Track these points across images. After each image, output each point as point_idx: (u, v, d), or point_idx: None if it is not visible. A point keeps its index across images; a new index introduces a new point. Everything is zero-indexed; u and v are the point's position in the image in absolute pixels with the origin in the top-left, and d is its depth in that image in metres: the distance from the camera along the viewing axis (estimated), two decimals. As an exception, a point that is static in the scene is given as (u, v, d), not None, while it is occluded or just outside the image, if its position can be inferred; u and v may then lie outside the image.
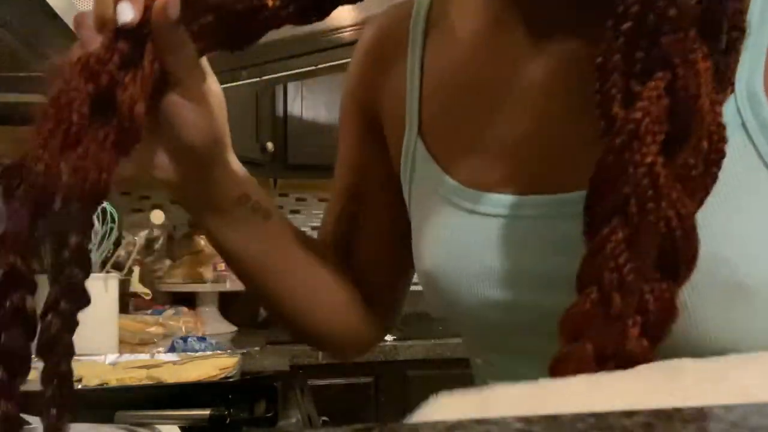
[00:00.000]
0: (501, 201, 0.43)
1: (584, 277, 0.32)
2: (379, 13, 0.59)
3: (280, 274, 0.54)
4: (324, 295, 0.56)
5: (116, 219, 1.16)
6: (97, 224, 1.15)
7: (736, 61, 0.35)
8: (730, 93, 0.37)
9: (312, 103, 2.07)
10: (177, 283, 1.93)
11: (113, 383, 0.85)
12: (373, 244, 0.58)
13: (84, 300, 0.34)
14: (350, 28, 1.00)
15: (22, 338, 0.33)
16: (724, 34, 0.33)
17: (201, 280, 1.91)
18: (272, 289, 0.54)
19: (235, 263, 0.53)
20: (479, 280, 0.44)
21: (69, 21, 0.79)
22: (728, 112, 0.37)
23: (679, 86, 0.32)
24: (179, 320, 1.43)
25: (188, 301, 1.93)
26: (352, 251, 0.58)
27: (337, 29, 1.01)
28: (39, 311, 0.33)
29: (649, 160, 0.31)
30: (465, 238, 0.44)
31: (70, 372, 0.34)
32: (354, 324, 0.58)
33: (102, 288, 1.11)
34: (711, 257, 0.35)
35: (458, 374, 1.60)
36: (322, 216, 0.66)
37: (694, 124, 0.32)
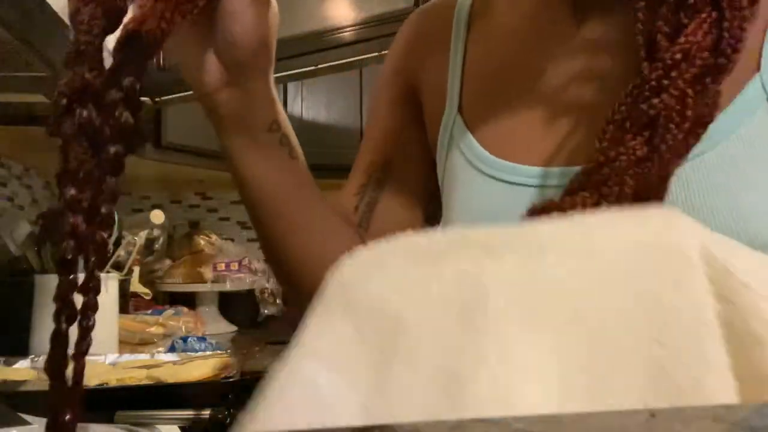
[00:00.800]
0: (532, 172, 0.46)
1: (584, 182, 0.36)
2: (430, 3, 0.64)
3: (294, 210, 0.53)
4: (334, 245, 0.51)
5: (116, 219, 1.16)
6: (97, 224, 1.14)
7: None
8: (756, 70, 0.41)
9: (312, 103, 2.07)
10: (177, 283, 1.93)
11: (113, 383, 0.85)
12: (396, 212, 0.60)
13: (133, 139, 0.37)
14: (350, 28, 1.00)
15: (88, 153, 0.36)
16: None
17: (201, 280, 1.91)
18: (282, 226, 0.53)
19: (250, 190, 0.52)
20: None
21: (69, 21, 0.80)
22: (754, 87, 0.41)
23: (726, 25, 0.36)
24: (179, 320, 1.43)
25: (188, 301, 1.93)
26: (373, 217, 0.60)
27: (337, 29, 1.01)
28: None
29: (682, 86, 0.35)
30: (497, 205, 0.47)
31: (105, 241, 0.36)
32: None
33: (102, 288, 1.11)
34: (740, 224, 0.39)
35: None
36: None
37: (732, 62, 0.36)
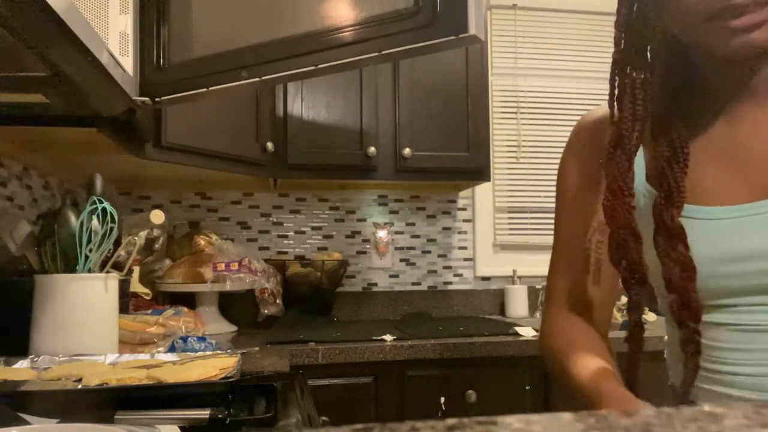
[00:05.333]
0: (721, 212, 0.71)
1: None
2: (587, 118, 0.90)
3: None
4: None
5: (116, 219, 1.16)
6: (97, 224, 1.14)
7: None
8: None
9: (312, 103, 2.07)
10: (177, 283, 1.93)
11: (113, 383, 0.85)
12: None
13: None
14: (350, 28, 1.00)
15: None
16: None
17: (201, 280, 1.91)
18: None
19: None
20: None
21: (69, 21, 0.79)
22: None
23: None
24: (179, 320, 1.42)
25: (188, 301, 1.93)
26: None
27: (337, 29, 1.01)
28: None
29: None
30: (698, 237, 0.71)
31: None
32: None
33: (102, 288, 1.11)
34: None
35: (458, 374, 1.61)
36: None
37: None
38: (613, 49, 0.78)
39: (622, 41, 0.77)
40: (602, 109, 0.87)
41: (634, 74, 0.76)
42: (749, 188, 0.71)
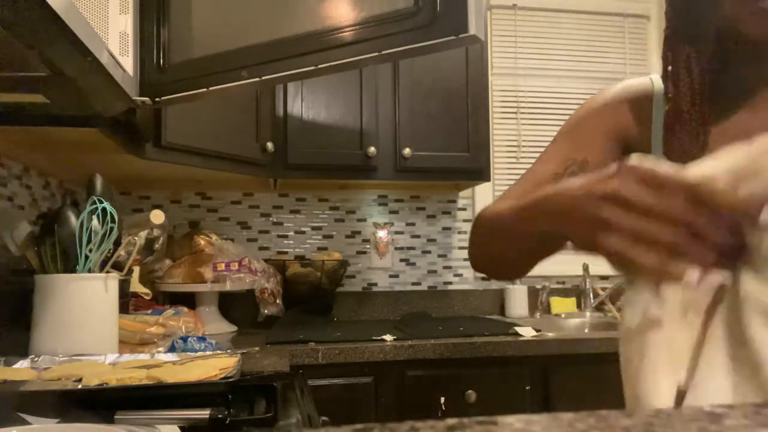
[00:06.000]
0: None
1: None
2: (621, 90, 0.89)
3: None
4: None
5: (116, 219, 1.16)
6: (97, 224, 1.14)
7: None
8: None
9: (312, 103, 2.07)
10: (177, 283, 1.93)
11: (113, 383, 0.85)
12: None
13: None
14: (350, 28, 1.00)
15: None
16: None
17: (201, 280, 1.91)
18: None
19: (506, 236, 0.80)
20: None
21: (69, 21, 0.79)
22: None
23: None
24: (179, 320, 1.42)
25: (188, 301, 1.93)
26: None
27: (337, 29, 1.01)
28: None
29: None
30: None
31: None
32: None
33: (102, 288, 1.11)
34: None
35: (458, 374, 1.60)
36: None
37: None
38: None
39: (674, 18, 0.77)
40: (641, 83, 0.86)
41: (688, 48, 0.75)
42: None
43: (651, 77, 0.87)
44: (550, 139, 0.97)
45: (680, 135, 0.75)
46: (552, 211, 0.64)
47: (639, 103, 0.85)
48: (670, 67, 0.77)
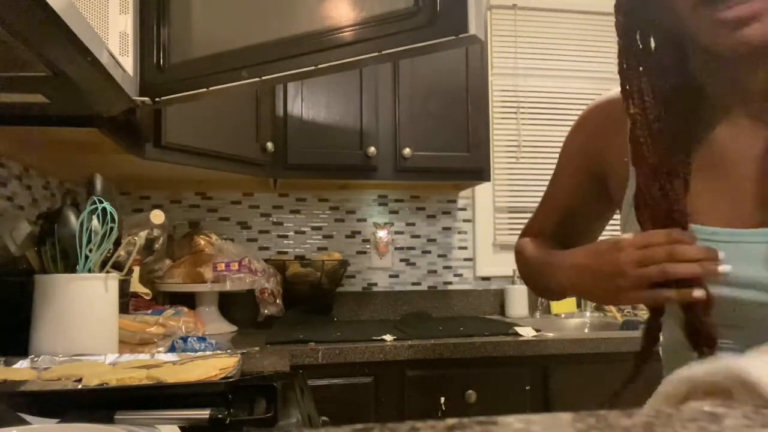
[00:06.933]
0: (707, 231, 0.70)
1: None
2: (602, 99, 0.89)
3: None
4: None
5: (116, 219, 1.16)
6: (97, 224, 1.14)
7: None
8: None
9: (312, 103, 2.07)
10: (177, 283, 1.93)
11: (113, 383, 0.85)
12: (584, 240, 0.97)
13: None
14: (350, 28, 1.00)
15: None
16: None
17: (201, 280, 1.91)
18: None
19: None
20: None
21: (69, 21, 0.79)
22: None
23: None
24: (179, 320, 1.42)
25: (188, 301, 1.93)
26: (569, 244, 0.89)
27: (337, 29, 1.01)
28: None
29: None
30: None
31: None
32: None
33: (102, 288, 1.11)
34: None
35: (458, 374, 1.61)
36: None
37: None
38: (616, 47, 0.74)
39: (624, 28, 0.73)
40: (615, 92, 0.84)
41: (641, 68, 0.72)
42: (733, 209, 0.69)
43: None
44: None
45: (647, 149, 0.71)
46: (565, 285, 0.78)
47: (614, 113, 0.83)
48: (627, 86, 0.73)
